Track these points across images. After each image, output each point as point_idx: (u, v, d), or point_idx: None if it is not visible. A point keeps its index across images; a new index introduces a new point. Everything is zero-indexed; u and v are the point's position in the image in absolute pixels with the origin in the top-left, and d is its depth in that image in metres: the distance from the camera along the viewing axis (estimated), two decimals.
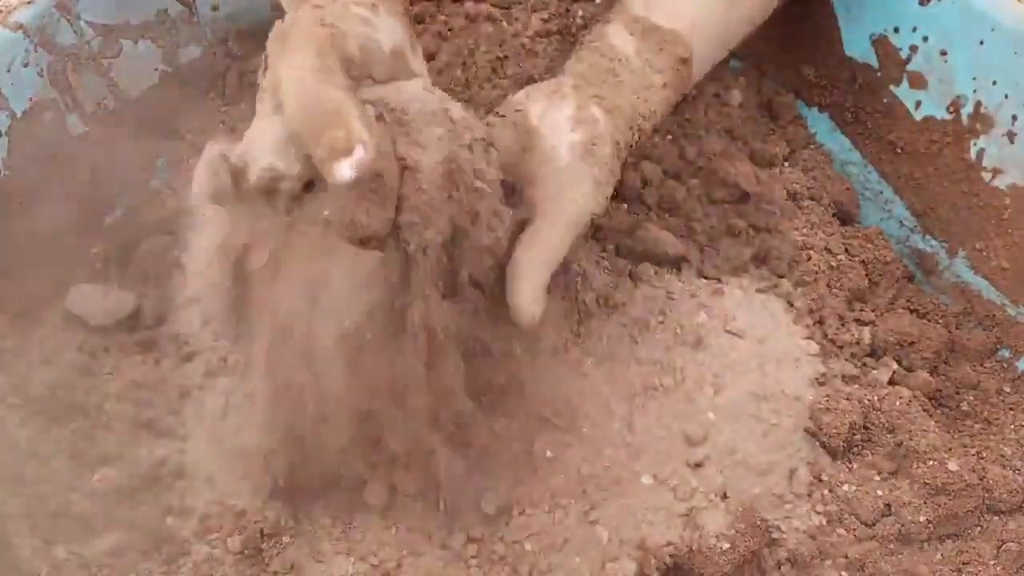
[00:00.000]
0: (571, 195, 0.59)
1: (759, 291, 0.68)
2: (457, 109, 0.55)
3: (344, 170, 0.46)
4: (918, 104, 0.74)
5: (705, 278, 0.69)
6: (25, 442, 0.63)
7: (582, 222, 0.59)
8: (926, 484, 0.59)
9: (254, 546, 0.61)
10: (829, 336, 0.68)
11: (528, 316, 0.56)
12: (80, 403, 0.66)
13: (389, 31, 0.56)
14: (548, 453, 0.61)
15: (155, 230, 0.75)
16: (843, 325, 0.69)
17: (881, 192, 0.78)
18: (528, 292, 0.56)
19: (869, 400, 0.64)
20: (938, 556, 0.59)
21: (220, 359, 0.69)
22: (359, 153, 0.46)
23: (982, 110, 0.71)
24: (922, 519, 0.59)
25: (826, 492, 0.61)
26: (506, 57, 0.75)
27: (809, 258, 0.71)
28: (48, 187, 0.70)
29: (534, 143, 0.61)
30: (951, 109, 0.72)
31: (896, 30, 0.74)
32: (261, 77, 0.53)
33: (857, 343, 0.68)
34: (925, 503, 0.59)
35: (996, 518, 0.60)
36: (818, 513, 0.60)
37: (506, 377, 0.61)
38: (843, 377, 0.65)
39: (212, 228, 0.53)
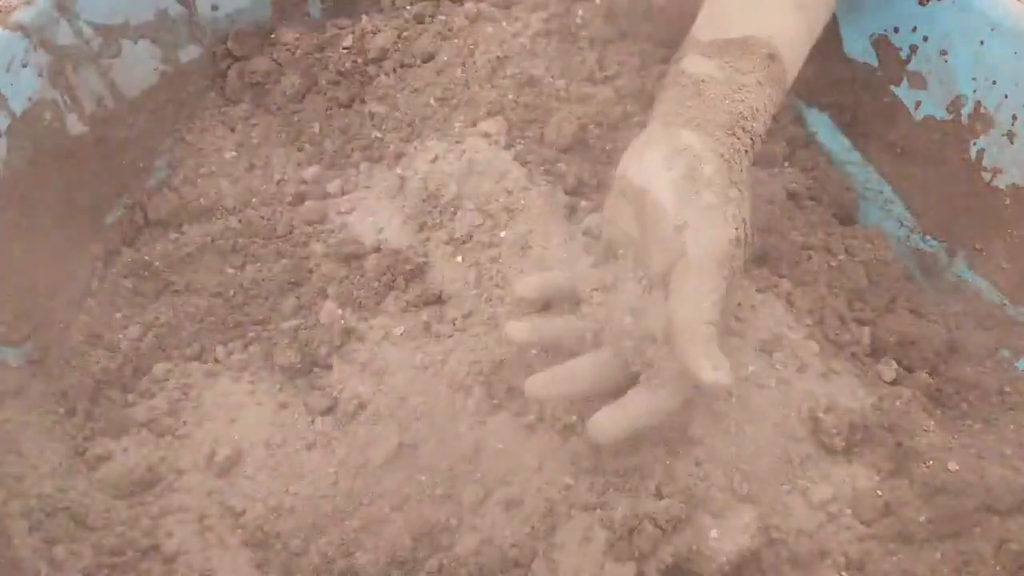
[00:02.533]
0: (691, 238, 0.55)
1: (759, 291, 0.68)
2: None
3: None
4: (918, 104, 0.74)
5: None
6: (26, 442, 0.63)
7: (715, 258, 0.55)
8: (926, 484, 0.59)
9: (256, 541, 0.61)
10: (829, 336, 0.68)
11: (713, 381, 0.54)
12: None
13: None
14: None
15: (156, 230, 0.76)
16: (843, 325, 0.69)
17: (881, 192, 0.78)
18: (700, 358, 0.54)
19: (869, 400, 0.64)
20: (938, 556, 0.59)
21: (216, 361, 0.70)
22: None
23: (982, 110, 0.71)
24: (922, 519, 0.59)
25: (826, 492, 0.61)
26: (506, 57, 0.75)
27: (809, 258, 0.71)
28: (48, 187, 0.70)
29: (643, 203, 0.58)
30: (951, 109, 0.72)
31: (896, 30, 0.74)
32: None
33: (857, 343, 0.68)
34: (925, 503, 0.59)
35: (996, 518, 0.60)
36: (818, 513, 0.60)
37: None
38: (843, 377, 0.65)
39: None
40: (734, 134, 0.59)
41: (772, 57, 0.61)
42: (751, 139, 0.60)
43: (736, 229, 0.56)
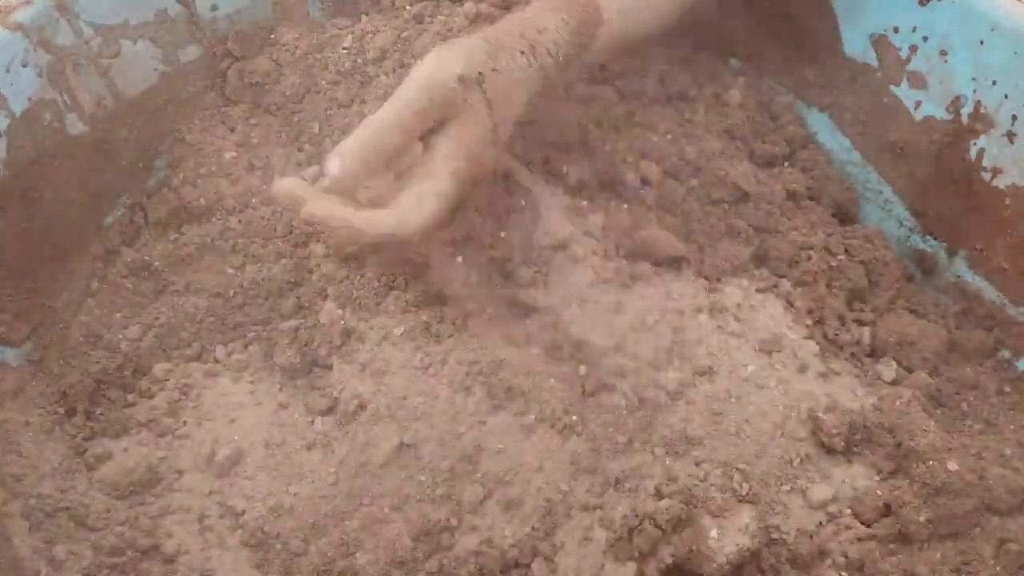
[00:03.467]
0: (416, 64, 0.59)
1: (759, 291, 0.68)
2: None
3: None
4: (918, 104, 0.74)
5: (705, 278, 0.69)
6: (26, 442, 0.63)
7: (423, 71, 0.58)
8: (926, 484, 0.59)
9: (256, 542, 0.61)
10: (829, 336, 0.68)
11: (327, 168, 0.57)
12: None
13: None
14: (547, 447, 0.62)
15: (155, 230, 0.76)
16: (843, 325, 0.69)
17: (881, 192, 0.78)
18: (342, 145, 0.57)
19: (869, 400, 0.64)
20: (938, 556, 0.59)
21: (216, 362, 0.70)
22: None
23: (982, 110, 0.71)
24: (922, 519, 0.59)
25: (826, 492, 0.61)
26: None
27: (809, 258, 0.71)
28: (48, 187, 0.70)
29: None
30: (951, 109, 0.72)
31: (896, 30, 0.74)
32: None
33: (857, 343, 0.68)
34: (925, 503, 0.59)
35: (996, 518, 0.60)
36: (818, 513, 0.60)
37: None
38: (843, 377, 0.65)
39: None
40: (510, 34, 0.62)
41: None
42: (531, 45, 0.62)
43: (464, 61, 0.58)
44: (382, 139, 0.57)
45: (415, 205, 0.58)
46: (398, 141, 0.58)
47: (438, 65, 0.58)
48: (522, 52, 0.62)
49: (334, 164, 0.57)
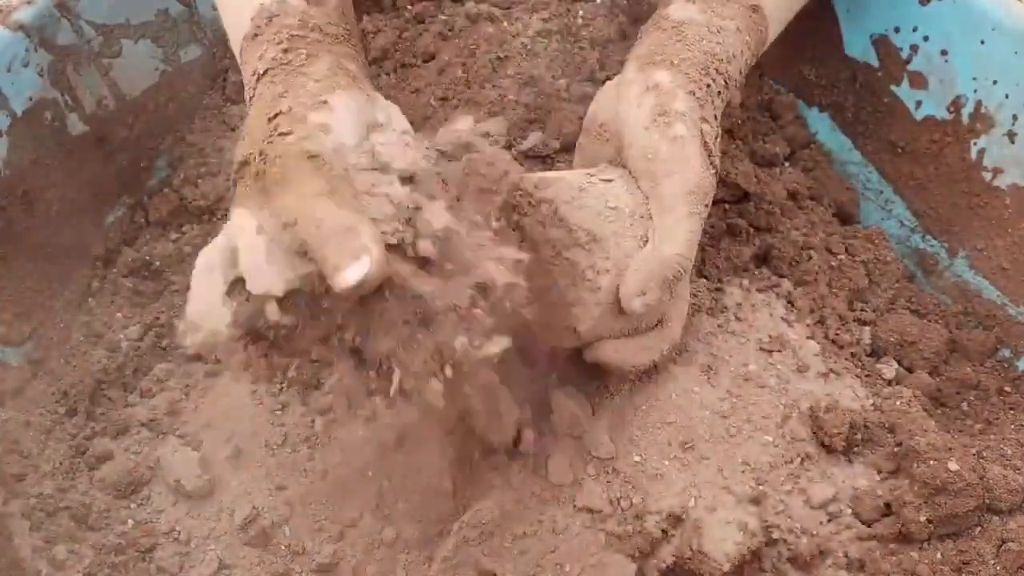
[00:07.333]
0: (662, 169, 0.56)
1: (759, 291, 0.68)
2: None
3: (350, 275, 0.45)
4: (918, 104, 0.74)
5: (705, 278, 0.69)
6: (26, 442, 0.63)
7: (688, 189, 0.56)
8: (926, 484, 0.59)
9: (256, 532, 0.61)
10: (830, 336, 0.68)
11: (628, 308, 0.55)
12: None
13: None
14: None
15: (155, 230, 0.76)
16: (843, 325, 0.69)
17: (881, 192, 0.78)
18: (630, 285, 0.55)
19: (869, 400, 0.64)
20: (938, 556, 0.59)
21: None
22: (365, 263, 0.45)
23: (982, 110, 0.71)
24: (922, 519, 0.59)
25: (826, 492, 0.60)
26: (506, 57, 0.75)
27: (810, 258, 0.71)
28: (48, 187, 0.70)
29: (619, 143, 0.59)
30: (951, 109, 0.72)
31: (896, 30, 0.74)
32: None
33: (857, 343, 0.68)
34: (925, 503, 0.59)
35: (996, 518, 0.60)
36: (818, 513, 0.60)
37: None
38: (844, 377, 0.65)
39: None
40: (708, 74, 0.59)
41: (755, 8, 0.62)
42: (724, 81, 0.60)
43: (699, 169, 0.56)
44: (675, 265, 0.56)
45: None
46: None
47: (688, 171, 0.56)
48: (719, 93, 0.60)
49: (627, 302, 0.55)
